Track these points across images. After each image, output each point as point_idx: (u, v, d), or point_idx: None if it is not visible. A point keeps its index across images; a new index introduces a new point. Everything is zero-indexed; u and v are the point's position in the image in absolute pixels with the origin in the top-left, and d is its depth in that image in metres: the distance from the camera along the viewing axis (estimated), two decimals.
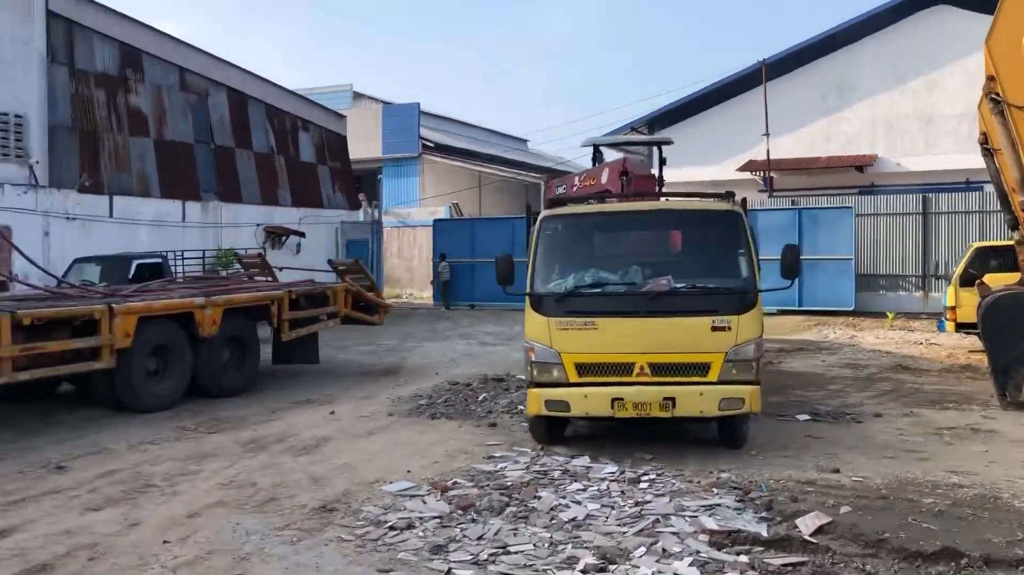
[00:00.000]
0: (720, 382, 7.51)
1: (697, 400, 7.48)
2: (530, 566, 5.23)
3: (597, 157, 13.60)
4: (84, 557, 5.31)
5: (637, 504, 6.40)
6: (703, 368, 7.55)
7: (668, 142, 13.37)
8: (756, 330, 7.65)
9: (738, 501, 6.58)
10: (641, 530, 5.86)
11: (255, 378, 11.59)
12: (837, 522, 6.01)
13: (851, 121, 27.96)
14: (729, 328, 7.51)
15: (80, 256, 16.37)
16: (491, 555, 5.39)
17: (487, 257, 25.47)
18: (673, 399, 7.45)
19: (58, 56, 19.21)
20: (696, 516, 6.15)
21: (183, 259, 18.25)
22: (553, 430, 8.18)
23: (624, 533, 5.83)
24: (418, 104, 40.02)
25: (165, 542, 5.60)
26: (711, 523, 5.99)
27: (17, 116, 18.27)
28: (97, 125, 19.88)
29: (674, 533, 5.82)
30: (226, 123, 23.54)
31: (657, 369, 7.55)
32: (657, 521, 6.04)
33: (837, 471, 7.53)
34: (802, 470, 7.61)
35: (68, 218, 19.02)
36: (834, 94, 28.08)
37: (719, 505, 6.45)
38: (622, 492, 6.72)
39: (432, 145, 39.70)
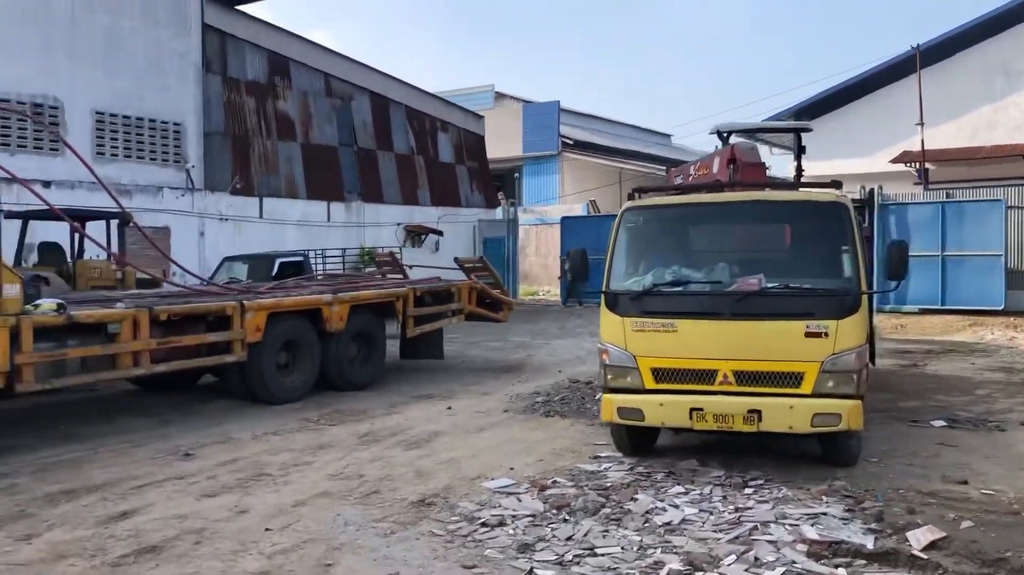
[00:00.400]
0: (815, 395, 6.71)
1: (786, 414, 6.69)
2: (614, 569, 5.14)
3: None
4: (191, 541, 5.60)
5: (737, 510, 6.18)
6: (795, 378, 6.77)
7: (806, 129, 12.78)
8: (858, 337, 6.82)
9: (847, 511, 6.25)
10: (736, 537, 5.65)
11: (381, 373, 11.93)
12: (954, 538, 5.61)
13: (1020, 107, 26.03)
14: (826, 334, 6.72)
15: (229, 255, 17.31)
16: (576, 556, 5.33)
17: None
18: (759, 412, 6.70)
19: (212, 66, 20.39)
20: (798, 525, 5.88)
21: (323, 258, 19.00)
22: (638, 439, 7.60)
23: (718, 539, 5.64)
24: (558, 102, 40.14)
25: (267, 529, 5.83)
26: (812, 532, 5.71)
27: (176, 124, 19.51)
28: (248, 130, 20.98)
29: (771, 541, 5.59)
30: (368, 126, 24.34)
31: (742, 378, 6.84)
32: (755, 528, 5.81)
33: (965, 483, 7.03)
34: (926, 480, 7.15)
35: (221, 219, 20.17)
36: (1000, 79, 26.21)
37: (825, 514, 6.14)
38: (724, 497, 6.50)
39: (571, 142, 39.71)
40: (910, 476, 7.23)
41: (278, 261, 16.03)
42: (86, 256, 13.24)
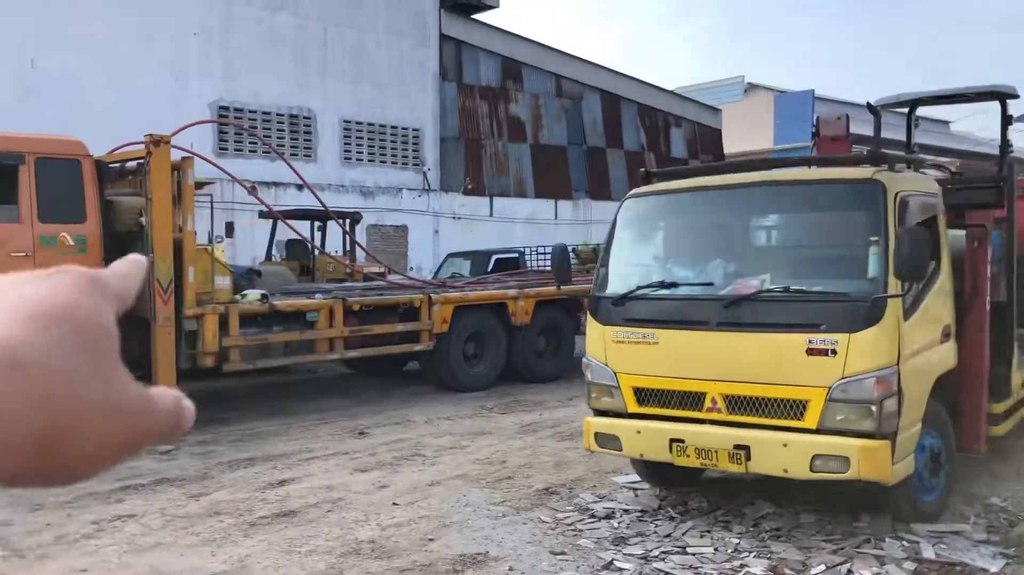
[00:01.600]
0: (820, 430, 5.20)
1: (779, 453, 5.26)
2: (696, 568, 5.14)
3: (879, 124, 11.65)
4: (324, 509, 6.25)
5: (858, 520, 5.89)
6: (797, 408, 5.29)
7: (1011, 94, 10.11)
8: (882, 357, 5.16)
9: (990, 530, 5.76)
10: (841, 548, 5.41)
11: (569, 366, 12.26)
12: None
13: None
14: (834, 352, 5.19)
15: (452, 251, 18.40)
16: (663, 553, 5.37)
17: None
18: (747, 449, 5.32)
19: (448, 74, 21.67)
20: (919, 542, 5.51)
21: (538, 254, 19.59)
22: (661, 467, 6.20)
23: (823, 549, 5.44)
24: (812, 91, 38.31)
25: (394, 504, 6.36)
26: (929, 551, 5.34)
27: (415, 130, 20.98)
28: (480, 134, 22.09)
29: (878, 556, 5.30)
30: (598, 124, 24.72)
31: (734, 404, 5.49)
32: (868, 541, 5.52)
33: None
34: None
35: (454, 218, 21.41)
36: None
37: (959, 533, 5.69)
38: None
39: None
40: None
41: (494, 257, 16.81)
42: (327, 251, 14.67)
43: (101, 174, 8.50)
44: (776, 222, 6.41)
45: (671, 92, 27.19)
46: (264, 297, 9.24)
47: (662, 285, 6.03)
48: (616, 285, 6.16)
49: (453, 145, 21.60)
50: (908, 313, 5.37)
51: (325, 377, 12.66)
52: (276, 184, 17.40)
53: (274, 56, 18.79)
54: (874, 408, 5.09)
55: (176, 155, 8.51)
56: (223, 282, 8.99)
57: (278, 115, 18.86)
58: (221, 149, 17.69)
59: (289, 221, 11.25)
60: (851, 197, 5.75)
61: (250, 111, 18.46)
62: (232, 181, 10.88)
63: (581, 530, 5.84)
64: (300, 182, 11.80)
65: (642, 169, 6.80)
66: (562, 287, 8.38)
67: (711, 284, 5.90)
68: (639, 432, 5.76)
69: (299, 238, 14.69)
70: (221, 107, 18.07)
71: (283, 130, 18.98)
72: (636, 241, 6.60)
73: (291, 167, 11.64)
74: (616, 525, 5.92)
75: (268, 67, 18.65)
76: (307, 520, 6.02)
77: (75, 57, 15.94)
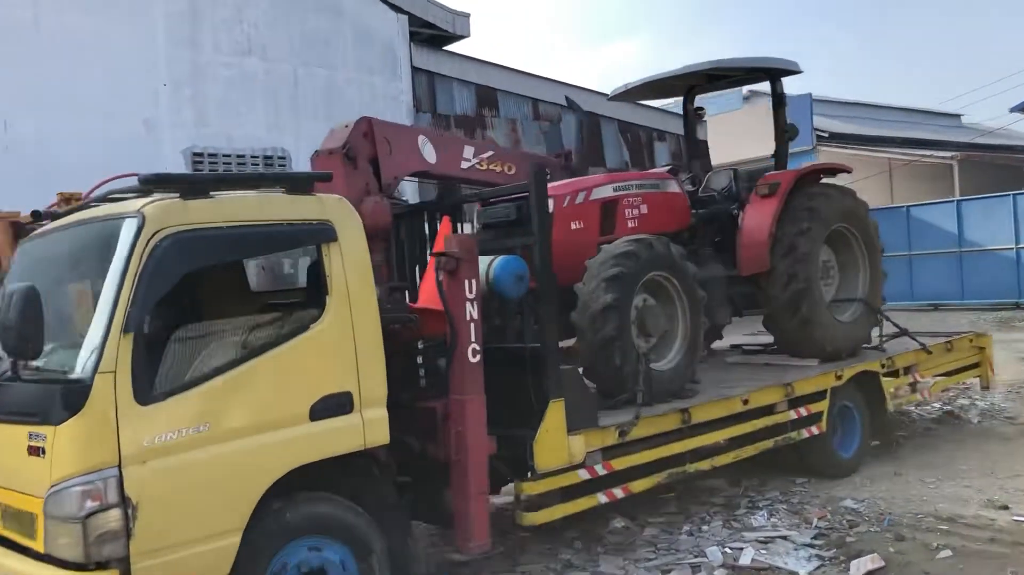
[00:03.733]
0: (47, 556, 4.07)
1: None
2: None
3: None
4: None
5: (693, 533, 6.15)
6: (30, 524, 4.18)
7: (785, 70, 8.67)
8: (92, 456, 3.97)
9: (820, 536, 5.98)
10: (664, 564, 5.67)
11: None
12: (904, 569, 5.24)
13: None
14: (43, 451, 4.06)
15: None
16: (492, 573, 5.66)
17: None
18: None
19: (422, 105, 22.17)
20: (744, 548, 5.76)
21: None
22: None
23: (649, 560, 5.71)
24: (809, 95, 38.19)
25: None
26: (747, 558, 5.59)
27: None
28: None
29: (693, 565, 5.56)
30: (578, 145, 25.02)
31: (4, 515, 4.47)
32: (691, 551, 5.78)
33: (1006, 508, 6.37)
34: (964, 503, 6.56)
35: None
36: None
37: (786, 538, 5.94)
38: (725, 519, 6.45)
39: (826, 135, 37.64)
40: (950, 497, 6.66)
41: None
42: None
43: (16, 234, 8.94)
44: (54, 277, 4.95)
45: (653, 107, 27.42)
46: None
47: None
48: None
49: None
50: (166, 388, 4.16)
51: None
52: None
53: (245, 100, 19.39)
54: (81, 530, 3.90)
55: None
56: None
57: (252, 156, 19.43)
58: None
59: None
60: (95, 241, 4.56)
61: (224, 155, 19.05)
62: None
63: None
64: None
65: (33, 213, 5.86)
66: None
67: None
68: None
69: None
70: (195, 153, 18.69)
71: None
72: None
73: None
74: None
75: (240, 111, 19.26)
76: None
77: (48, 115, 16.62)
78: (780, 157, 8.63)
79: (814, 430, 7.49)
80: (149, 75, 18.20)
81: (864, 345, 8.46)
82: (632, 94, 9.70)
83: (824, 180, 8.48)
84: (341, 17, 21.58)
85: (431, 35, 22.74)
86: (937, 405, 10.33)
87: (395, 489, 4.96)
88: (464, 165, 7.01)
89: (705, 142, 9.41)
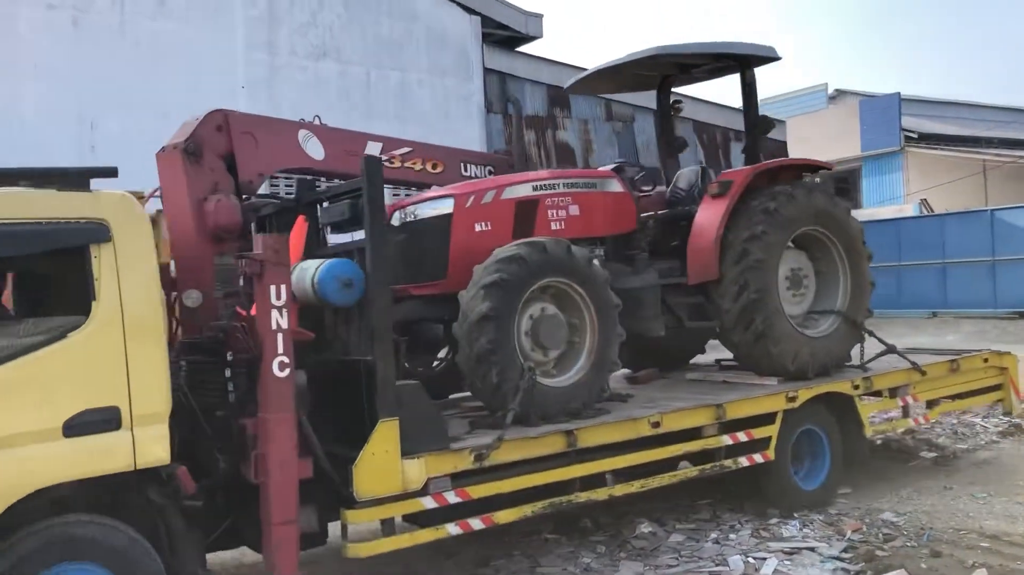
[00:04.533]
0: None
1: None
2: None
3: None
4: None
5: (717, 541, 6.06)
6: None
7: (760, 56, 7.76)
8: None
9: (850, 549, 5.82)
10: (684, 571, 5.61)
11: None
12: None
13: None
14: None
15: None
16: None
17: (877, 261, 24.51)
18: None
19: (494, 106, 22.33)
20: (766, 558, 5.65)
21: None
22: None
23: (671, 567, 5.65)
24: (898, 94, 37.19)
25: None
26: (768, 568, 5.49)
27: None
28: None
29: (713, 573, 5.49)
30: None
31: None
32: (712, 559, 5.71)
33: None
34: (1013, 520, 6.33)
35: None
36: None
37: (813, 550, 5.80)
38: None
39: (915, 136, 36.43)
40: (1000, 516, 6.40)
41: None
42: None
43: None
44: None
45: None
46: None
47: None
48: None
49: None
50: None
51: None
52: None
53: (319, 102, 19.80)
54: None
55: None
56: None
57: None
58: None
59: None
60: None
61: None
62: None
63: None
64: None
65: None
66: None
67: None
68: None
69: None
70: None
71: None
72: None
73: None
74: None
75: (314, 112, 19.71)
76: None
77: (132, 116, 17.34)
78: (750, 153, 7.77)
79: (758, 458, 6.57)
80: (228, 77, 18.81)
81: (848, 363, 7.54)
82: (587, 85, 8.93)
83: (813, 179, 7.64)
84: (415, 20, 21.91)
85: (504, 36, 22.90)
86: (1005, 419, 9.84)
87: (181, 513, 4.55)
88: None
89: (682, 138, 8.59)
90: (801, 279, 7.31)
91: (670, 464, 6.39)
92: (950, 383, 8.17)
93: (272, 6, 19.70)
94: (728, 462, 6.45)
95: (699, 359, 8.59)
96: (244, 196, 6.07)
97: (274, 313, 4.71)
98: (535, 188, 6.63)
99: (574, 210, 6.68)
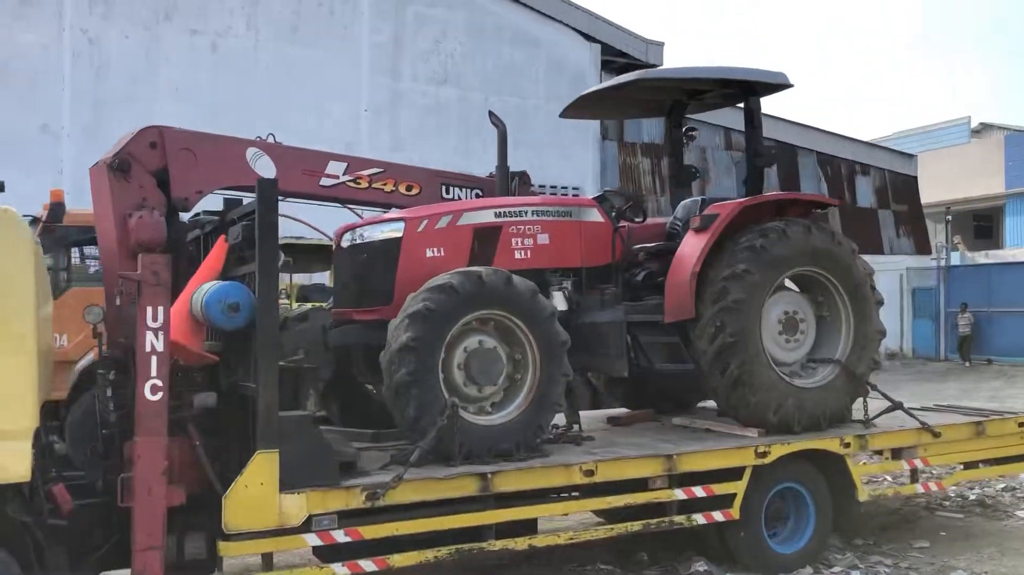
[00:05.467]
0: None
1: None
2: None
3: None
4: None
5: None
6: None
7: (771, 83, 7.32)
8: None
9: None
10: None
11: None
12: None
13: None
14: None
15: None
16: None
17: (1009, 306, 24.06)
18: None
19: (608, 133, 22.56)
20: None
21: None
22: None
23: None
24: None
25: None
26: None
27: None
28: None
29: None
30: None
31: None
32: None
33: None
34: None
35: None
36: None
37: None
38: None
39: None
40: None
41: None
42: None
43: None
44: None
45: (855, 140, 26.38)
46: None
47: None
48: None
49: None
50: None
51: None
52: None
53: (438, 126, 20.60)
54: None
55: None
56: None
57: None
58: None
59: None
60: None
61: None
62: None
63: None
64: None
65: None
66: None
67: None
68: None
69: None
70: None
71: None
72: None
73: None
74: None
75: (433, 136, 20.47)
76: None
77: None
78: (752, 185, 7.33)
79: (718, 515, 6.03)
80: (352, 101, 19.79)
81: (853, 419, 6.91)
82: (579, 111, 8.25)
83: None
84: (536, 48, 22.45)
85: (624, 63, 23.08)
86: None
87: (42, 532, 4.59)
88: (327, 182, 6.54)
89: (691, 167, 8.05)
90: (797, 324, 6.74)
91: (608, 515, 6.14)
92: (975, 448, 7.37)
93: (397, 33, 20.63)
94: (681, 518, 5.97)
95: (710, 403, 7.65)
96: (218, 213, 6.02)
97: (149, 335, 4.66)
98: (498, 215, 6.35)
99: (543, 239, 6.42)
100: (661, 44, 24.00)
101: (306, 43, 19.56)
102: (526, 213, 6.43)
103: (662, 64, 23.70)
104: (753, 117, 7.22)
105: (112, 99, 16.97)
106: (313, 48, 19.50)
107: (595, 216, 6.71)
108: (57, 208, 8.60)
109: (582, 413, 6.98)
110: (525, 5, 21.99)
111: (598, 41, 23.06)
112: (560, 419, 6.54)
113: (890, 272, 25.67)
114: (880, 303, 7.04)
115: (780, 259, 6.46)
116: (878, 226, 26.14)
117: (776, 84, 7.11)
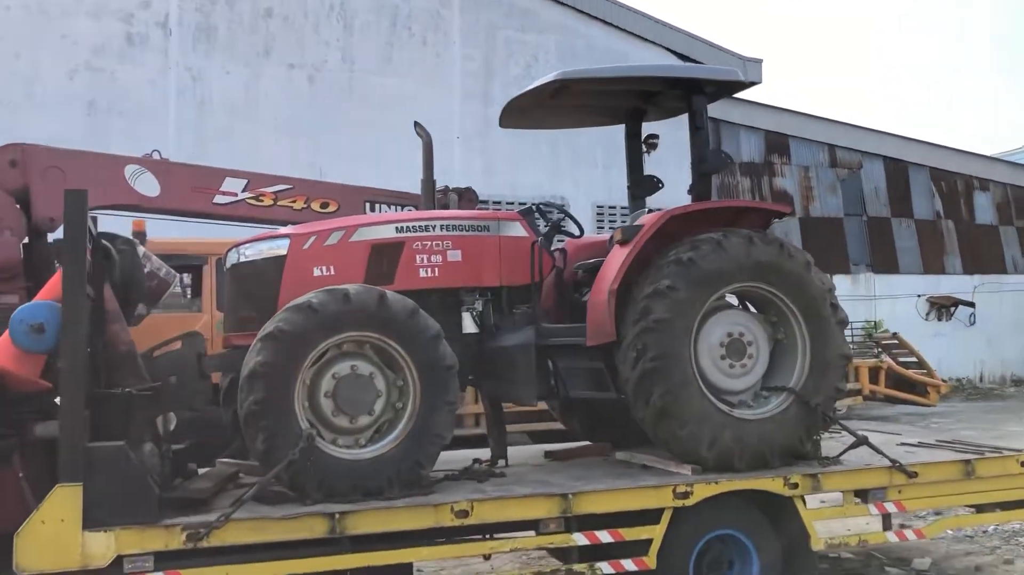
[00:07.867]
0: None
1: None
2: None
3: None
4: None
5: None
6: None
7: (735, 83, 7.11)
8: None
9: None
10: None
11: None
12: None
13: None
14: None
15: None
16: None
17: None
18: None
19: None
20: None
21: None
22: None
23: None
24: None
25: None
26: None
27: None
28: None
29: None
30: (881, 193, 24.14)
31: None
32: None
33: None
34: None
35: None
36: None
37: None
38: None
39: None
40: None
41: None
42: None
43: None
44: None
45: (972, 153, 25.72)
46: None
47: None
48: None
49: None
50: None
51: None
52: None
53: (529, 150, 21.12)
54: None
55: None
56: None
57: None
58: None
59: None
60: None
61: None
62: None
63: None
64: None
65: None
66: None
67: None
68: None
69: None
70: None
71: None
72: None
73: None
74: None
75: (524, 161, 20.99)
76: None
77: (353, 165, 19.31)
78: (698, 192, 6.80)
79: (629, 565, 5.37)
80: (445, 128, 20.47)
81: (822, 456, 6.12)
82: (513, 118, 7.37)
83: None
84: None
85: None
86: None
87: None
88: (223, 199, 6.43)
89: (652, 178, 7.63)
90: (745, 347, 6.00)
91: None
92: (964, 491, 6.40)
93: (488, 60, 21.30)
94: (582, 567, 5.37)
95: None
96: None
97: None
98: (399, 230, 5.99)
99: (454, 255, 6.04)
100: (760, 61, 23.93)
101: (399, 73, 20.42)
102: (433, 227, 6.09)
103: (761, 81, 23.71)
104: (696, 118, 6.75)
105: (214, 132, 18.12)
106: (406, 77, 20.35)
107: (518, 231, 6.34)
108: (138, 238, 9.49)
109: (524, 448, 6.77)
110: (618, 27, 22.38)
111: (694, 61, 23.22)
112: (486, 454, 6.33)
113: (1013, 293, 24.83)
114: (844, 323, 6.22)
115: (714, 274, 5.81)
116: (1000, 244, 25.35)
117: (725, 82, 6.72)
